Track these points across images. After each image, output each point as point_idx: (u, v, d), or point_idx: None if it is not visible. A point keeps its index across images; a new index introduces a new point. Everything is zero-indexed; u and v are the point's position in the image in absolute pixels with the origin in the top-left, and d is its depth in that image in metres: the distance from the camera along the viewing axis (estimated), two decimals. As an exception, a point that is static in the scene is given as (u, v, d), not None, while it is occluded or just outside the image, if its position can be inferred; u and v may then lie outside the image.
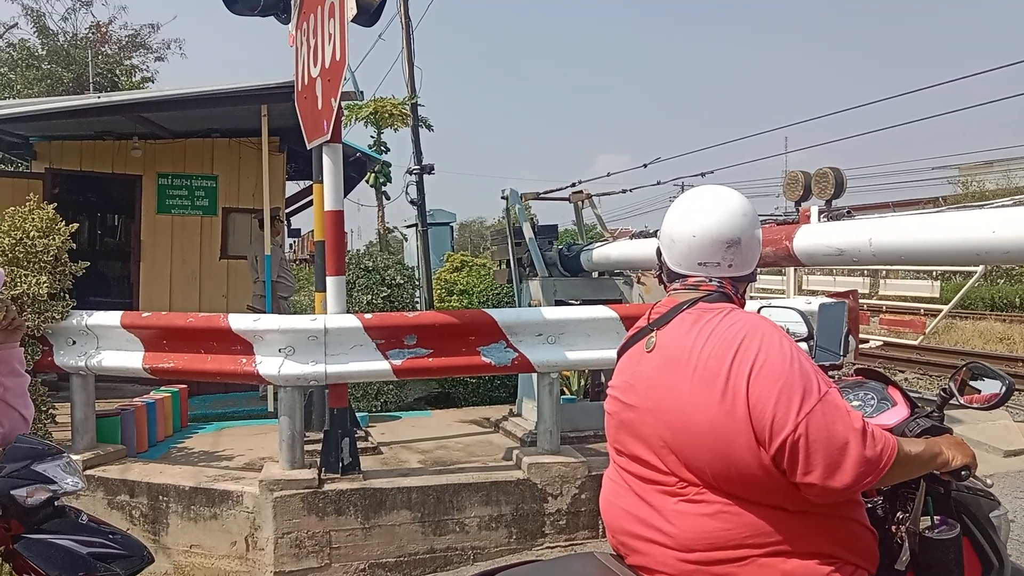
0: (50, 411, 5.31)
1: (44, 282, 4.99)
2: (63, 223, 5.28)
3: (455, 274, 10.60)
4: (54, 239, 5.13)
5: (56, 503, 2.79)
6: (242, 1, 5.37)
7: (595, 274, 7.24)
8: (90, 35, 24.26)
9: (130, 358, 5.06)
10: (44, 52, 22.64)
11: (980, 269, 14.54)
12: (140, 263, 9.38)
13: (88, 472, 4.83)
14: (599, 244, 7.00)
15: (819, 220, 4.52)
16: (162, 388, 6.41)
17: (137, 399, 5.95)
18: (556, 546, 4.88)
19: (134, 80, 23.75)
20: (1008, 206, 3.53)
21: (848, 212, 4.45)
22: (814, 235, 4.41)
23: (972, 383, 2.29)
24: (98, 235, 14.09)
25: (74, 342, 5.18)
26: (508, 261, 7.64)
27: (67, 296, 5.21)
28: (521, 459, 5.06)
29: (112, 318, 5.09)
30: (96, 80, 20.29)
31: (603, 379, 7.03)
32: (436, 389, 9.08)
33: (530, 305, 6.95)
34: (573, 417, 5.97)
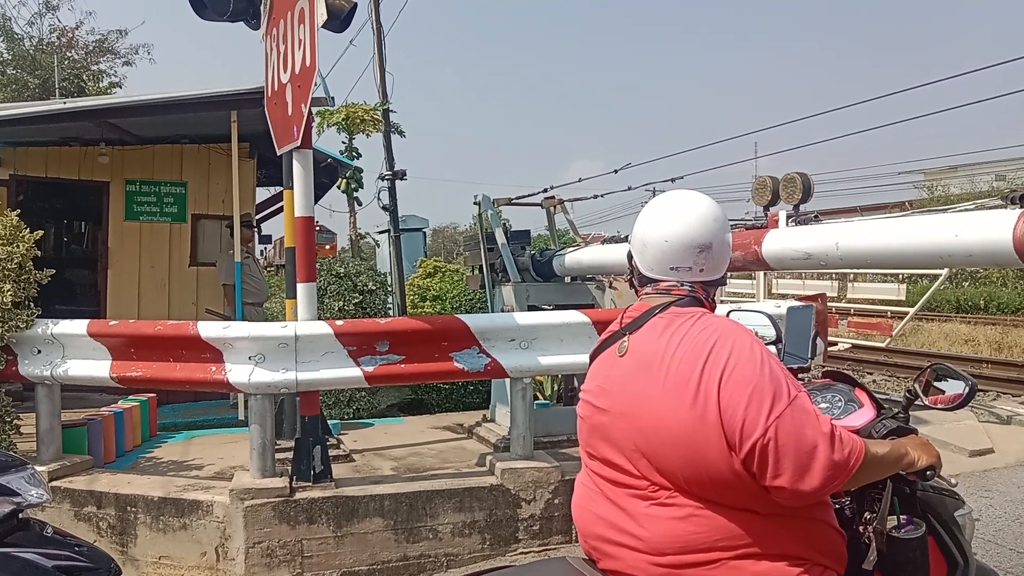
0: (14, 422, 5.22)
1: (8, 290, 4.91)
2: (27, 230, 5.20)
3: (428, 280, 10.57)
4: (18, 247, 5.05)
5: (20, 515, 2.74)
6: (211, 7, 5.32)
7: (567, 279, 7.25)
8: (56, 40, 23.92)
9: (97, 367, 4.99)
10: (9, 57, 22.29)
11: (945, 272, 14.78)
12: (108, 270, 9.24)
13: (54, 483, 4.75)
14: (571, 249, 7.02)
15: (787, 225, 4.57)
16: (130, 397, 6.33)
17: (104, 408, 5.86)
18: (530, 551, 4.88)
19: (101, 85, 23.45)
20: (970, 210, 3.59)
21: (816, 216, 4.50)
22: (782, 239, 4.46)
23: (937, 384, 2.32)
24: (65, 242, 13.90)
25: (39, 351, 5.09)
26: (481, 266, 7.64)
27: (32, 304, 5.13)
28: (494, 465, 5.06)
29: (78, 326, 5.02)
30: (63, 85, 20.02)
31: (576, 384, 7.05)
32: (409, 395, 9.03)
33: (503, 310, 6.95)
34: (546, 422, 5.98)
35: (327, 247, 20.92)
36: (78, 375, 5.02)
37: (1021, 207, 3.19)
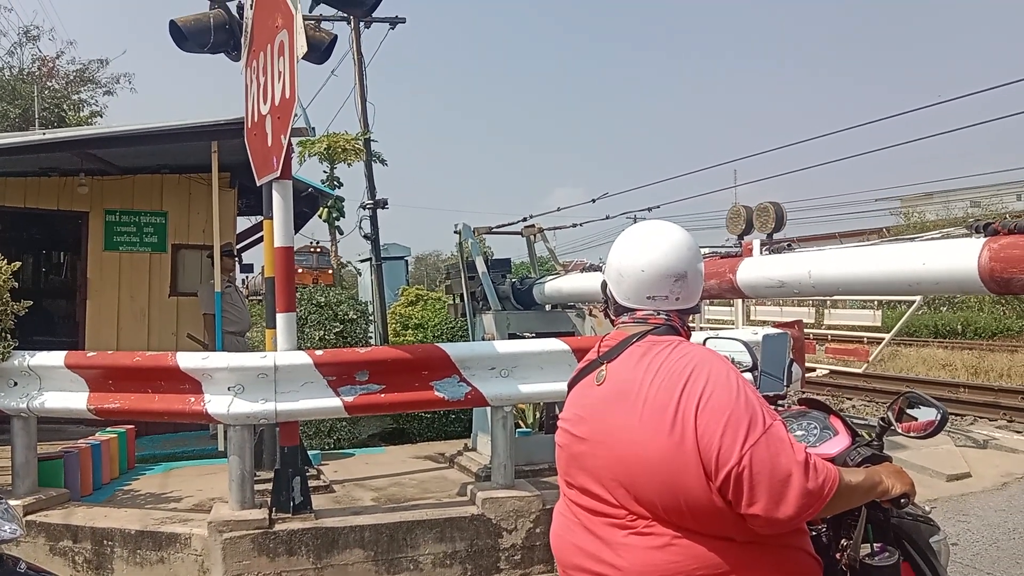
0: (-11, 455, 5.16)
1: (-16, 322, 4.87)
2: (4, 261, 5.16)
3: (410, 308, 10.57)
4: (-5, 278, 5.02)
5: (-7, 551, 2.70)
6: (192, 39, 5.36)
7: (548, 307, 7.28)
8: (37, 70, 23.88)
9: (74, 399, 4.95)
10: (-11, 87, 22.20)
11: (919, 299, 14.99)
12: (87, 301, 9.15)
13: (29, 517, 4.68)
14: (551, 277, 7.06)
15: (761, 253, 4.63)
16: (108, 429, 6.26)
17: (82, 441, 5.80)
18: (511, 582, 4.85)
19: (82, 115, 23.39)
20: (937, 239, 3.67)
21: (789, 245, 4.57)
22: (756, 268, 4.53)
23: (909, 412, 2.35)
24: (44, 273, 13.77)
25: (15, 383, 5.04)
26: (462, 295, 7.66)
27: (9, 336, 5.08)
28: (475, 494, 5.04)
29: (55, 358, 4.98)
30: (43, 115, 19.95)
31: (558, 411, 7.04)
32: (390, 425, 8.99)
33: (484, 339, 6.96)
34: (528, 450, 5.97)
35: (328, 271, 20.38)
36: (55, 407, 4.98)
37: (985, 236, 3.26)
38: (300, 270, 25.19)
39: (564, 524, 2.06)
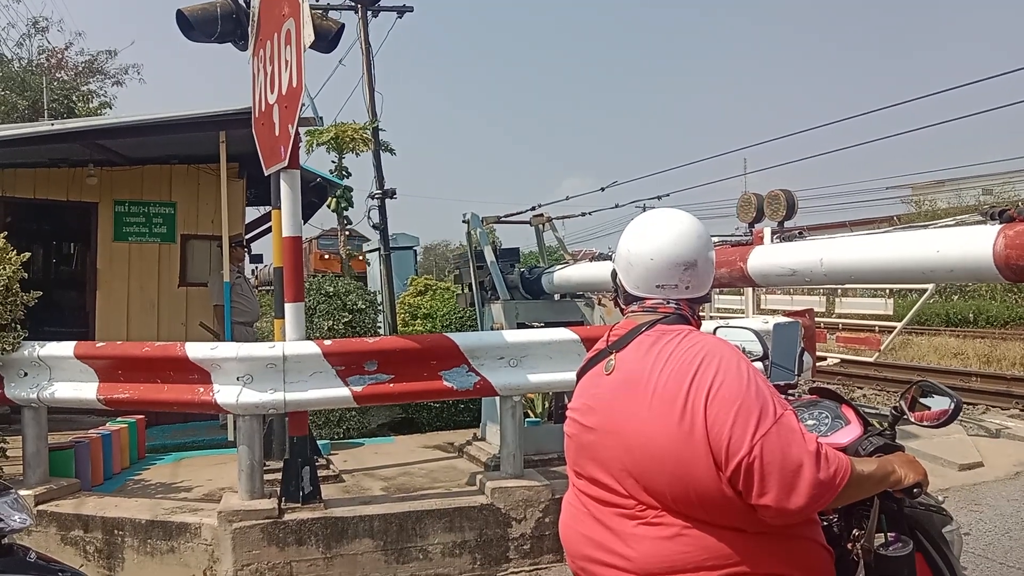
0: (0, 445, 5.17)
1: (-6, 313, 4.88)
2: (14, 252, 5.17)
3: (419, 298, 10.59)
4: (5, 269, 5.03)
5: (3, 541, 2.72)
6: (199, 28, 5.35)
7: (557, 296, 7.26)
8: (45, 61, 23.94)
9: (84, 389, 4.96)
10: (-2, 79, 22.27)
11: (931, 287, 14.89)
12: (96, 291, 9.21)
13: (40, 507, 4.71)
14: (560, 267, 7.04)
15: (772, 241, 4.60)
16: (119, 419, 6.28)
17: (92, 431, 5.82)
18: (520, 571, 4.85)
19: (91, 106, 23.44)
20: (951, 226, 3.63)
21: (800, 233, 4.54)
22: (767, 256, 4.50)
23: (923, 400, 2.33)
24: (54, 263, 13.83)
25: (25, 374, 5.06)
26: (470, 284, 7.65)
27: (18, 327, 5.10)
28: (485, 484, 5.04)
29: (65, 348, 4.99)
30: (52, 106, 19.99)
31: (567, 401, 7.03)
32: (399, 414, 9.01)
33: (492, 328, 6.95)
34: (537, 440, 5.96)
35: (359, 257, 19.68)
36: (65, 397, 4.99)
37: (1001, 223, 3.22)
38: (327, 256, 24.77)
39: (573, 514, 2.05)
